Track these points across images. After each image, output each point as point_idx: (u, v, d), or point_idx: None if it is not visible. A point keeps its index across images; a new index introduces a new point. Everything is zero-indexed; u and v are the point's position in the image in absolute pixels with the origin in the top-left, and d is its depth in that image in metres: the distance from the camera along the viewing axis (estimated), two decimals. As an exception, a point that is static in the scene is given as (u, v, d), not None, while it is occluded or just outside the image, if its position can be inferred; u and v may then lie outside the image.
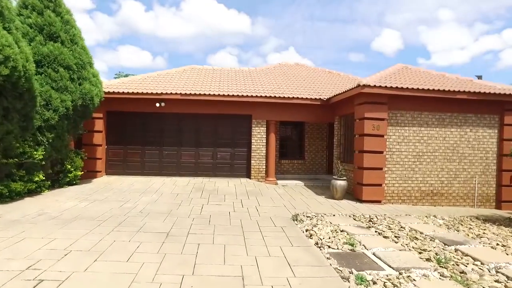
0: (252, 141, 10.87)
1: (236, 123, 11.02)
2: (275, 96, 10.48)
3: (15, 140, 6.67)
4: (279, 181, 11.00)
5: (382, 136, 8.39)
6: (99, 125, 10.26)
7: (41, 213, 5.77)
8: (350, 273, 3.83)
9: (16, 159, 6.83)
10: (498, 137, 8.93)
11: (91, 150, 10.08)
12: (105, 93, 9.69)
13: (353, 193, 8.90)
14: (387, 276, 3.81)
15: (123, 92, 10.10)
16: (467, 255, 4.60)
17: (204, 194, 8.34)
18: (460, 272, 3.95)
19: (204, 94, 10.28)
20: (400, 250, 4.70)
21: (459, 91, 8.35)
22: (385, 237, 5.36)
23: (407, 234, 5.56)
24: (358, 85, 8.19)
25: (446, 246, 5.02)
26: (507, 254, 4.70)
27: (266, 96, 10.45)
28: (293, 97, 10.57)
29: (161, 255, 3.99)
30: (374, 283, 3.59)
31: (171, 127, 10.89)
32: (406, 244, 5.00)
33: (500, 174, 8.89)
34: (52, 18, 7.81)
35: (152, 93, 10.22)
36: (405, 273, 3.90)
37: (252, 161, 10.85)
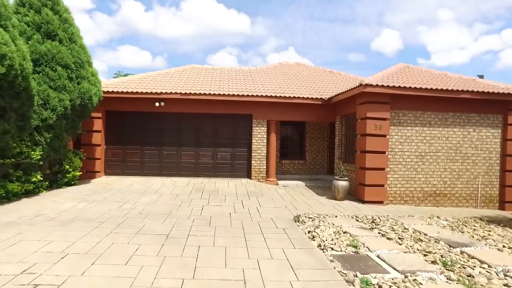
0: (253, 141, 10.76)
1: (237, 123, 10.92)
2: (275, 96, 10.38)
3: (12, 140, 6.56)
4: (279, 182, 10.90)
5: (384, 136, 8.29)
6: (98, 124, 10.16)
7: (38, 214, 5.66)
8: (354, 276, 3.73)
9: (13, 159, 6.72)
10: (501, 137, 8.84)
11: (90, 150, 9.97)
12: (104, 92, 9.59)
13: (354, 194, 8.81)
14: (392, 279, 3.71)
15: (122, 91, 9.99)
16: (473, 257, 4.50)
17: (204, 194, 8.24)
18: (468, 276, 3.85)
19: (204, 94, 10.18)
20: (404, 252, 4.60)
21: (462, 90, 8.25)
22: (388, 238, 5.27)
23: (411, 236, 5.46)
24: (360, 85, 8.09)
25: (451, 248, 4.92)
26: (514, 257, 4.60)
27: (266, 96, 10.35)
28: (294, 97, 10.47)
29: (161, 258, 3.89)
30: (380, 287, 3.49)
31: (171, 127, 10.79)
32: (411, 246, 4.90)
33: (504, 175, 8.80)
34: (50, 16, 7.70)
35: (151, 93, 10.11)
36: (411, 276, 3.81)
37: (252, 161, 10.75)
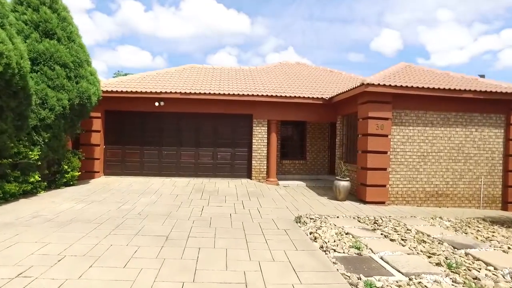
0: (253, 141, 10.68)
1: (237, 123, 10.84)
2: (276, 95, 10.30)
3: (10, 140, 6.47)
4: (280, 182, 10.82)
5: (386, 136, 8.22)
6: (97, 124, 10.07)
7: (35, 216, 5.58)
8: (358, 279, 3.65)
9: (11, 160, 6.63)
10: (504, 137, 8.76)
11: (89, 150, 9.89)
12: (103, 92, 9.50)
13: (356, 194, 8.73)
14: (397, 282, 3.63)
15: (121, 91, 9.90)
16: (478, 259, 4.42)
17: (204, 195, 8.15)
18: (474, 278, 3.77)
19: (204, 93, 10.10)
20: (408, 254, 4.52)
21: (465, 90, 8.17)
22: (391, 240, 5.19)
23: (414, 237, 5.39)
24: (362, 84, 8.01)
25: (456, 249, 4.84)
26: (520, 259, 4.52)
27: (267, 95, 10.27)
28: (295, 96, 10.38)
29: (160, 260, 3.81)
30: (385, 290, 3.41)
31: (171, 127, 10.70)
32: (414, 248, 4.82)
33: (506, 175, 8.72)
34: (48, 14, 7.62)
35: (151, 92, 10.03)
36: (416, 279, 3.73)
37: (253, 161, 10.67)
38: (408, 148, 8.43)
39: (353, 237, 5.21)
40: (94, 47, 77.59)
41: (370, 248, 4.68)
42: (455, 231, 5.94)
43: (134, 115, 10.50)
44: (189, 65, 13.34)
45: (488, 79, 9.80)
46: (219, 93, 10.12)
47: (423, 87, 8.04)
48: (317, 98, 10.49)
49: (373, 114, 8.12)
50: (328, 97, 10.39)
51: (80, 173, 9.01)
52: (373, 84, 7.92)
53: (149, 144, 10.61)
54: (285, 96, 10.34)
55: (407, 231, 5.77)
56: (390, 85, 7.96)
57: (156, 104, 10.21)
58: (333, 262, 4.08)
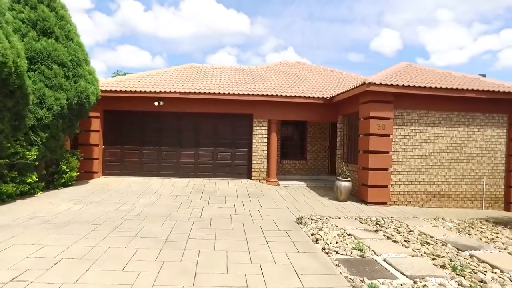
0: (253, 141, 10.60)
1: (237, 123, 10.75)
2: (276, 95, 10.21)
3: (6, 140, 6.37)
4: (280, 182, 10.73)
5: (388, 135, 8.13)
6: (96, 124, 9.97)
7: (33, 217, 5.48)
8: (362, 282, 3.57)
9: (7, 160, 6.53)
10: (506, 137, 8.68)
11: (88, 150, 9.79)
12: (102, 91, 9.41)
13: (357, 195, 8.65)
14: (401, 285, 3.56)
15: (120, 90, 9.81)
16: (483, 261, 4.34)
17: (204, 195, 8.06)
18: (480, 281, 3.69)
19: (204, 93, 10.01)
20: (412, 256, 4.44)
21: (467, 89, 8.09)
22: (394, 241, 5.11)
23: (417, 238, 5.31)
24: (364, 83, 7.93)
25: (460, 251, 4.76)
26: (526, 261, 4.44)
27: (267, 95, 10.18)
28: (295, 96, 10.30)
29: (159, 263, 3.72)
30: (389, 294, 3.33)
31: (170, 127, 10.61)
32: (417, 249, 4.75)
33: (509, 175, 8.64)
34: (46, 13, 7.51)
35: (150, 92, 9.94)
36: (420, 282, 3.65)
37: (253, 162, 10.58)
38: (410, 148, 8.34)
39: (355, 238, 5.13)
40: (94, 47, 77.48)
41: (373, 250, 4.60)
42: (458, 232, 5.86)
43: (133, 114, 10.41)
44: (189, 65, 13.25)
45: (490, 78, 9.72)
46: (219, 93, 10.03)
47: (425, 87, 7.96)
48: (318, 97, 10.41)
49: (374, 113, 8.03)
50: (329, 96, 10.31)
51: (78, 173, 8.91)
52: (374, 84, 7.84)
53: (148, 144, 10.52)
54: (286, 95, 10.25)
55: (410, 232, 5.69)
56: (392, 85, 7.88)
57: (156, 103, 10.11)
58: (336, 265, 4.00)
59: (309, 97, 10.38)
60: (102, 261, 3.72)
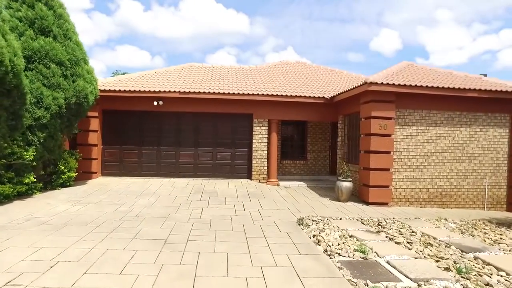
0: (253, 141, 10.51)
1: (237, 122, 10.66)
2: (277, 95, 10.13)
3: (3, 140, 6.28)
4: (281, 182, 10.65)
5: (389, 135, 8.06)
6: (95, 124, 9.88)
7: (29, 218, 5.40)
8: (365, 285, 3.49)
9: (4, 160, 6.44)
10: (509, 137, 8.60)
11: (86, 150, 9.70)
12: (101, 91, 9.32)
13: (358, 195, 8.57)
14: (406, 288, 3.47)
15: (119, 90, 9.72)
16: (488, 264, 4.27)
17: (204, 196, 7.98)
18: (485, 284, 3.62)
19: (204, 92, 9.92)
20: (415, 258, 4.37)
21: (469, 89, 8.02)
22: (397, 243, 5.03)
23: (420, 240, 5.23)
24: (365, 83, 7.85)
25: (464, 253, 4.69)
26: (532, 263, 4.37)
27: (267, 95, 10.10)
28: (296, 96, 10.22)
29: (158, 266, 3.64)
30: (394, 297, 3.25)
31: (170, 127, 10.52)
32: (421, 251, 4.67)
33: (511, 175, 8.57)
34: (44, 11, 7.42)
35: (149, 91, 9.85)
36: (425, 285, 3.57)
37: (253, 162, 10.50)
38: (411, 148, 8.27)
39: (357, 240, 5.06)
40: (93, 47, 77.32)
41: (375, 252, 4.53)
42: (461, 233, 5.79)
43: (132, 114, 10.32)
44: (188, 64, 13.16)
45: (492, 78, 9.65)
46: (219, 92, 9.95)
47: (427, 86, 7.89)
48: (318, 97, 10.33)
49: (376, 113, 7.95)
50: (330, 96, 10.23)
51: (77, 173, 8.82)
52: (376, 83, 7.76)
53: (147, 144, 10.43)
54: (286, 95, 10.17)
55: (412, 233, 5.62)
56: (393, 84, 7.81)
57: (155, 103, 10.03)
58: (338, 267, 3.92)
59: (310, 96, 10.30)
60: (100, 264, 3.64)
